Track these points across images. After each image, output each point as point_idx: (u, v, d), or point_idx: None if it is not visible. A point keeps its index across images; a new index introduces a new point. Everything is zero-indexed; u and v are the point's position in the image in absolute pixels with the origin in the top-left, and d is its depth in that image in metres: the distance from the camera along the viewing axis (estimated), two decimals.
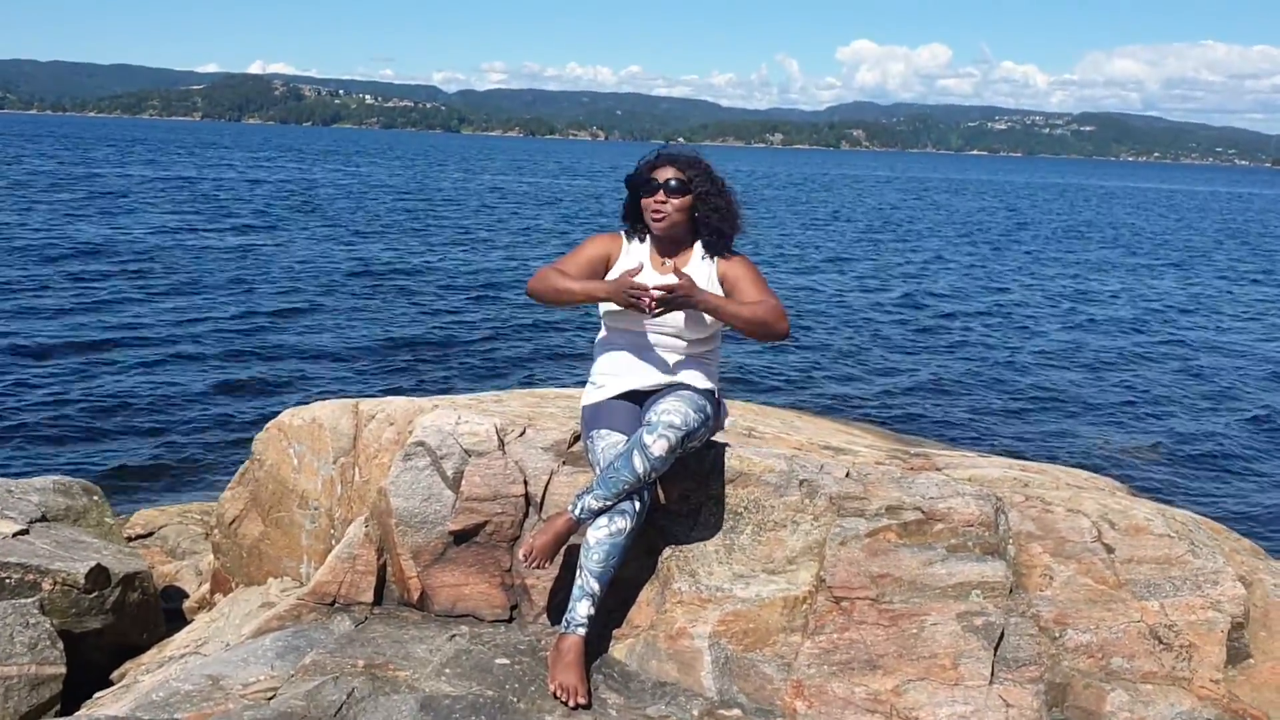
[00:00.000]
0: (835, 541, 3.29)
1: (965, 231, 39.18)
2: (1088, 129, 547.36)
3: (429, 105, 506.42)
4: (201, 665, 3.08)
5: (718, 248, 3.38)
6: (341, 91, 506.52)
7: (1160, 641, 3.16)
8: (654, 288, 3.03)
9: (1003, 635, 3.11)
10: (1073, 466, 5.48)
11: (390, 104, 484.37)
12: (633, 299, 3.05)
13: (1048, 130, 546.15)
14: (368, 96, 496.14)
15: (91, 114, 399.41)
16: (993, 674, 3.02)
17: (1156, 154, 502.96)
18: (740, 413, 5.27)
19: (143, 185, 40.51)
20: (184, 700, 2.83)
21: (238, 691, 2.86)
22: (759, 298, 3.24)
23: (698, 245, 3.40)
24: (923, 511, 3.37)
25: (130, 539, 6.45)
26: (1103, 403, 12.99)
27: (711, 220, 3.34)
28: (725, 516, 3.41)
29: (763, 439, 4.50)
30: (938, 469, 3.87)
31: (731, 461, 3.47)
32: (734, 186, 3.45)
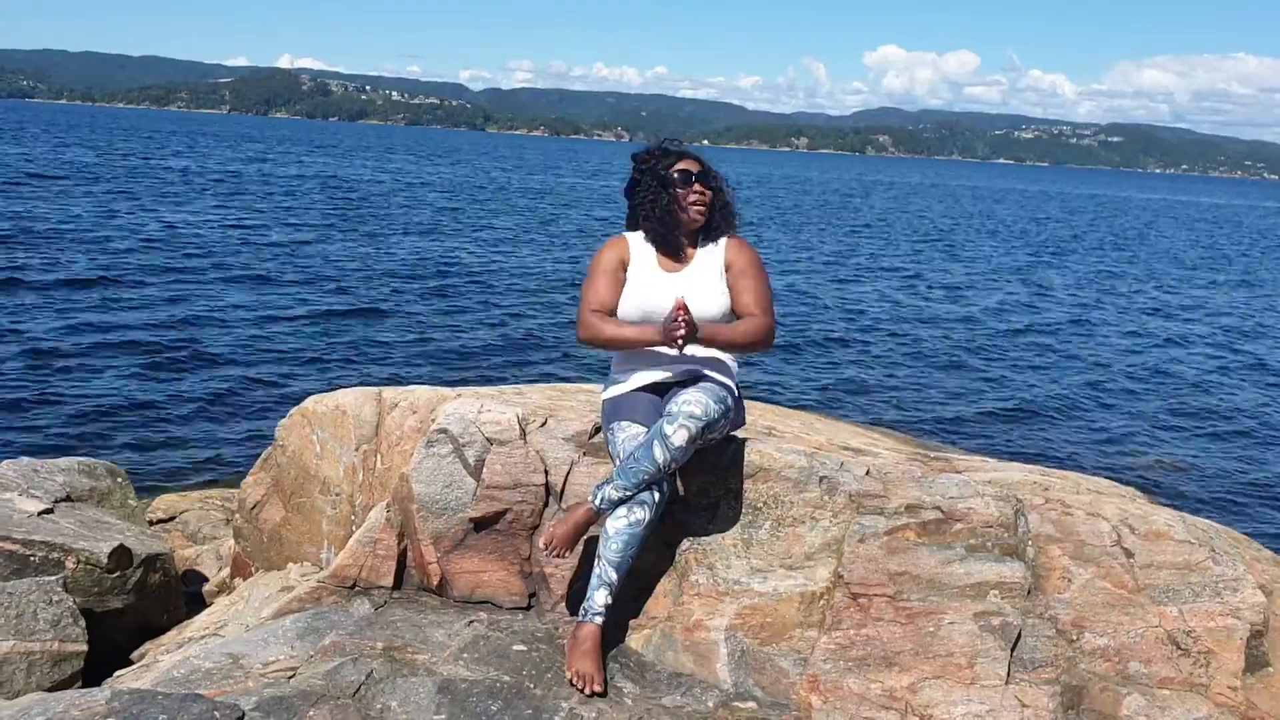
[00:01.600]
0: (854, 539, 3.30)
1: (1010, 240, 39.03)
2: (1115, 140, 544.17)
3: (455, 103, 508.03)
4: (222, 645, 3.11)
5: (719, 237, 3.47)
6: (368, 87, 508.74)
7: (1178, 647, 3.14)
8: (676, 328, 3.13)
9: (1020, 636, 3.11)
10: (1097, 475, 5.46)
11: (417, 101, 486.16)
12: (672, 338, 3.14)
13: (1075, 140, 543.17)
14: (394, 93, 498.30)
15: (120, 105, 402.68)
16: (1009, 674, 3.02)
17: (1185, 166, 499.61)
18: (760, 413, 5.27)
19: (174, 175, 40.87)
20: (205, 677, 2.86)
21: (257, 670, 2.89)
22: (753, 303, 3.37)
23: (701, 241, 3.48)
24: (942, 511, 3.37)
25: (152, 523, 6.52)
26: (1141, 416, 12.91)
27: (722, 213, 3.46)
28: (744, 511, 3.42)
29: (782, 437, 4.51)
30: (958, 472, 3.86)
31: (751, 456, 3.48)
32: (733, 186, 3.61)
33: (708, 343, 3.26)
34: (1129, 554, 3.33)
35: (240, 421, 10.08)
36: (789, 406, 8.07)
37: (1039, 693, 2.99)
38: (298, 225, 26.87)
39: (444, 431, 3.52)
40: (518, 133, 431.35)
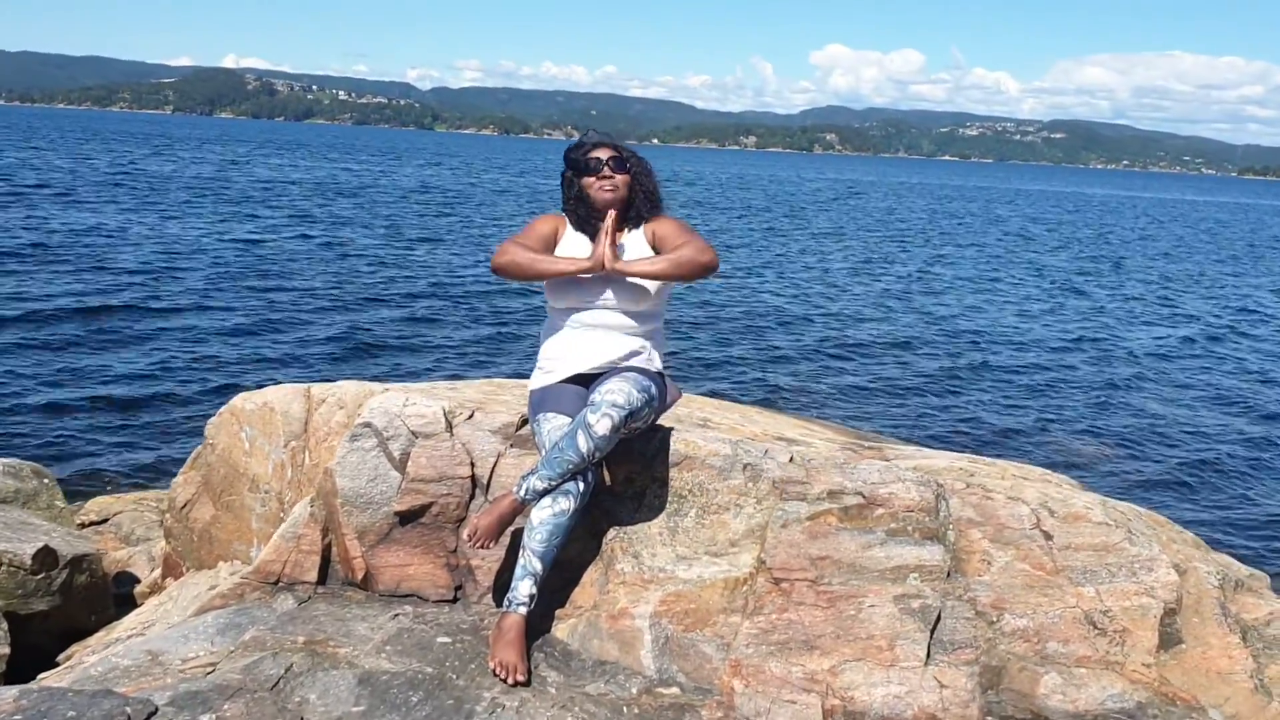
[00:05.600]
0: (777, 524, 3.33)
1: (969, 238, 39.45)
2: (1058, 136, 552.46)
3: (403, 102, 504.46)
4: (142, 643, 3.07)
5: (643, 220, 3.53)
6: (315, 87, 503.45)
7: (1095, 627, 3.21)
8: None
9: (939, 618, 3.15)
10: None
11: (364, 100, 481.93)
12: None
13: (1019, 137, 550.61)
14: (341, 92, 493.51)
15: (61, 105, 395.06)
16: (928, 655, 3.06)
17: (1125, 162, 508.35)
18: (697, 406, 5.30)
19: (93, 176, 40.17)
20: (123, 675, 2.82)
21: (176, 667, 2.86)
22: (683, 241, 3.37)
23: (627, 225, 3.52)
24: (864, 496, 3.41)
25: (85, 525, 6.42)
26: (1089, 405, 13.10)
27: (641, 197, 3.51)
28: (670, 499, 3.44)
29: (717, 429, 4.54)
30: (885, 459, 3.91)
31: (677, 445, 3.50)
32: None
33: (641, 274, 3.29)
34: (1048, 536, 3.39)
35: (182, 424, 9.95)
36: (733, 401, 8.12)
37: (958, 673, 3.04)
38: (244, 223, 26.56)
39: (368, 425, 3.51)
40: (467, 132, 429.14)
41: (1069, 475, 5.20)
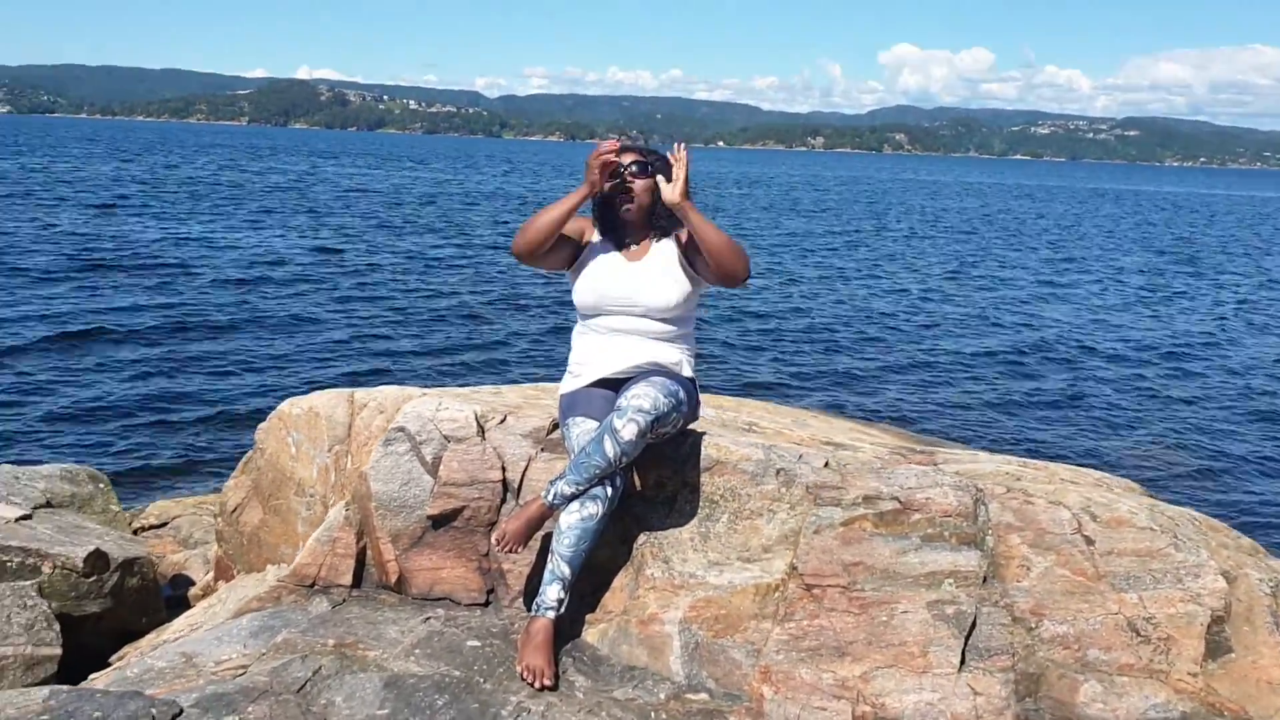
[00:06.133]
0: (810, 530, 3.29)
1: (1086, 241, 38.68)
2: (1132, 133, 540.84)
3: (471, 110, 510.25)
4: (178, 645, 3.14)
5: (669, 230, 3.47)
6: (386, 97, 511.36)
7: (1138, 634, 3.12)
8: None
9: (975, 624, 3.09)
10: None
11: (434, 109, 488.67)
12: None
13: (1091, 135, 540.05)
14: (412, 102, 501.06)
15: (140, 118, 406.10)
16: (962, 662, 3.01)
17: (1203, 159, 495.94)
18: (748, 410, 5.27)
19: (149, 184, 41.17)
20: (157, 677, 2.88)
21: (209, 669, 2.91)
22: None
23: (654, 232, 3.49)
24: (900, 501, 3.36)
25: (144, 529, 6.57)
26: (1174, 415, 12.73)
27: (664, 204, 3.41)
28: (701, 504, 3.42)
29: (761, 433, 4.50)
30: (935, 464, 3.85)
31: (708, 450, 3.48)
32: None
33: (690, 222, 3.24)
34: (1089, 541, 3.31)
35: (239, 429, 10.15)
36: (794, 405, 8.07)
37: (992, 680, 2.98)
38: (308, 232, 27.04)
39: (401, 430, 3.54)
40: (533, 138, 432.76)
41: (1152, 487, 5.00)
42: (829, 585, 3.18)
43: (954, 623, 3.07)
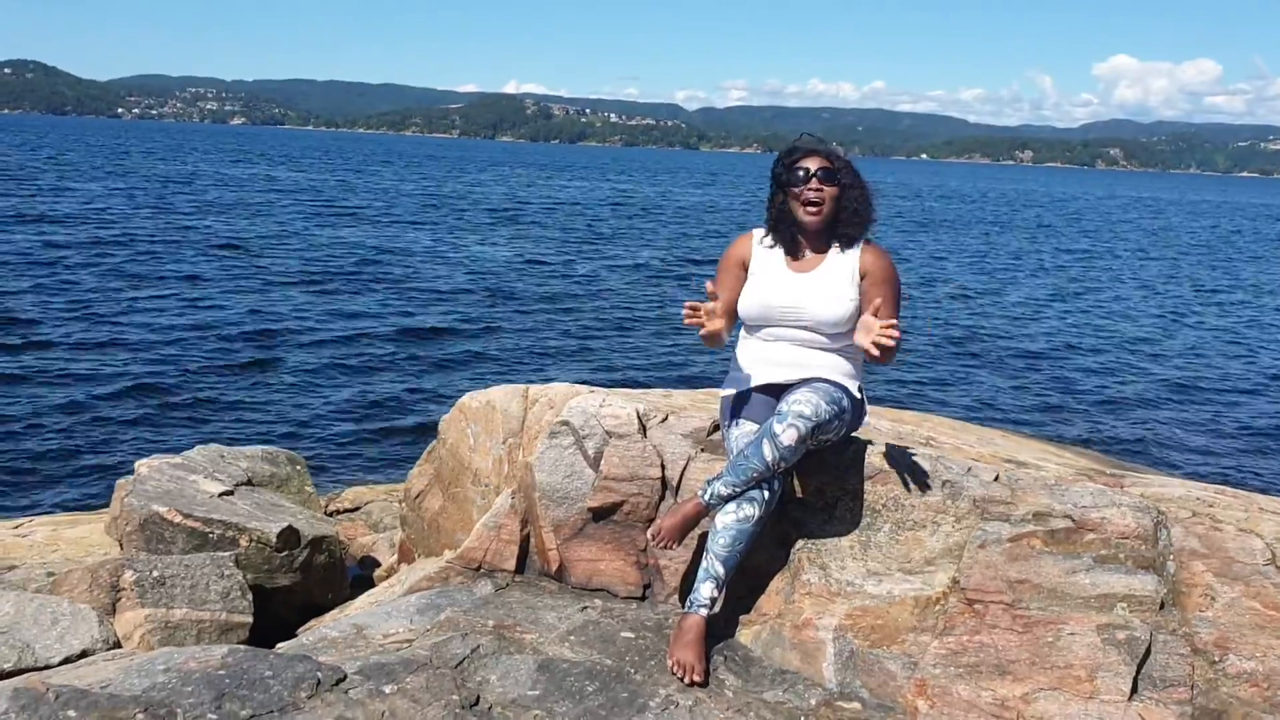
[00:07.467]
0: (975, 544, 3.19)
1: None
2: None
3: (670, 123, 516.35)
4: (351, 618, 3.30)
5: (854, 239, 3.35)
6: (588, 110, 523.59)
7: None
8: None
9: (1149, 652, 2.93)
10: None
11: (633, 122, 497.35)
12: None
13: None
14: (612, 115, 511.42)
15: (360, 130, 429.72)
16: (1134, 691, 2.85)
17: None
18: (931, 426, 5.13)
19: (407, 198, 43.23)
20: (329, 645, 3.05)
21: (377, 641, 3.06)
22: (888, 314, 3.10)
23: (835, 243, 3.37)
24: (1074, 520, 3.22)
25: (338, 512, 6.95)
26: None
27: (852, 213, 3.32)
28: (863, 513, 3.36)
29: (938, 448, 4.39)
30: (1120, 486, 3.66)
31: (872, 458, 3.42)
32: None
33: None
34: None
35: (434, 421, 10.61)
36: (995, 426, 7.80)
37: (1166, 712, 2.81)
38: (512, 241, 27.96)
39: (566, 423, 3.63)
40: (730, 150, 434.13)
41: None
42: (992, 601, 3.07)
43: (1126, 649, 2.91)
